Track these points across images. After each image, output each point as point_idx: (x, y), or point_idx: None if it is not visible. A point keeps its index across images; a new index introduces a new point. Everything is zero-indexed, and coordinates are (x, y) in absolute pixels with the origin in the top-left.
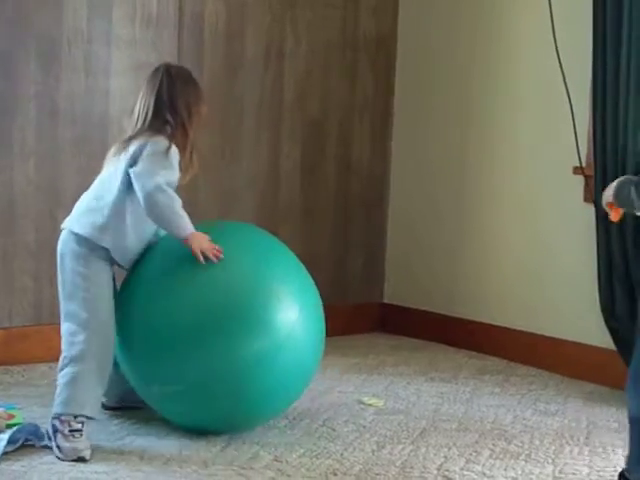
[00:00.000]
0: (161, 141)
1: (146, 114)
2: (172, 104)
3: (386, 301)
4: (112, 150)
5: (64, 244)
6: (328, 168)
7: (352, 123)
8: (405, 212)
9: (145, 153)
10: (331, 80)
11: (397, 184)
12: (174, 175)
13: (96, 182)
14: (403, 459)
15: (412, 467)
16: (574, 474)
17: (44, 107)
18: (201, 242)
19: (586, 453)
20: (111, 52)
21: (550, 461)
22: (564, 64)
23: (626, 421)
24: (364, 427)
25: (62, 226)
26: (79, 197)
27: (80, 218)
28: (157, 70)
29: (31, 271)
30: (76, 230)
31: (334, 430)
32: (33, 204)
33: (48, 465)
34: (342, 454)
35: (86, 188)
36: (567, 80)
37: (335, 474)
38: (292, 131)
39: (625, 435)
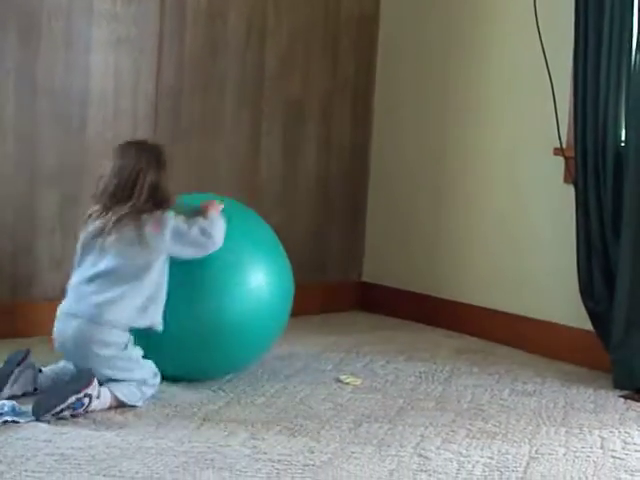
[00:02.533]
0: None
1: None
2: None
3: (365, 279)
4: None
5: None
6: (309, 146)
7: (333, 102)
8: (385, 191)
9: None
10: (312, 59)
11: (377, 164)
12: None
13: None
14: (380, 438)
15: (388, 446)
16: (550, 454)
17: (23, 82)
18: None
19: (562, 434)
20: (92, 27)
21: (527, 441)
22: (546, 45)
23: (602, 401)
24: (341, 405)
25: None
26: (58, 174)
27: None
28: None
29: (9, 249)
30: None
31: (311, 408)
32: (11, 181)
33: (24, 441)
34: (319, 432)
35: (66, 165)
36: (548, 61)
37: (312, 452)
38: (273, 109)
39: (603, 416)
